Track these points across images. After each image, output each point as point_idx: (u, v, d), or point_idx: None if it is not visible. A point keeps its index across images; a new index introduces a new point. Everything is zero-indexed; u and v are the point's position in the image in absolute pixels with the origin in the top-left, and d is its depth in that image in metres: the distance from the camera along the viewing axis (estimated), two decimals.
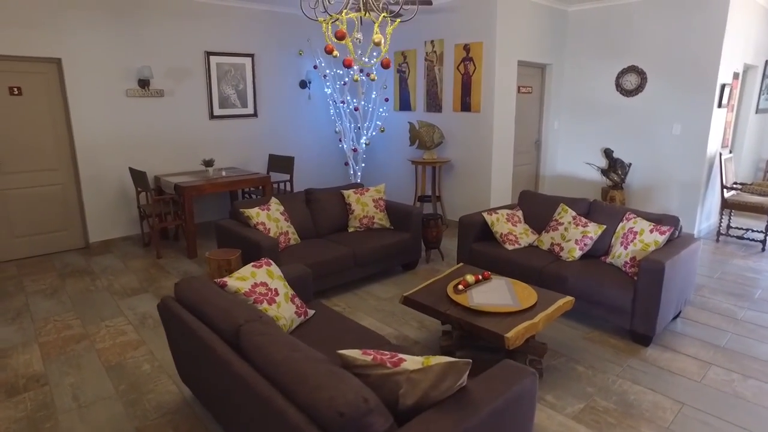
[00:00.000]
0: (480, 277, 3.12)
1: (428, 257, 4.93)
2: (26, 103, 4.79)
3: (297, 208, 4.38)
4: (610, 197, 5.79)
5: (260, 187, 5.61)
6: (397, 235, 4.44)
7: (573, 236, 3.79)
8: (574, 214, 3.93)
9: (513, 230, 4.11)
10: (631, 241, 3.45)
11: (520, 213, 4.31)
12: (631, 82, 5.73)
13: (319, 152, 7.04)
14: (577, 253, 3.72)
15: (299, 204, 4.43)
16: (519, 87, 5.93)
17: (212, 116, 5.98)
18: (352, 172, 6.70)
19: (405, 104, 6.52)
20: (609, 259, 3.63)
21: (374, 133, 6.60)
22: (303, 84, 6.69)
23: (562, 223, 3.93)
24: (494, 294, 2.95)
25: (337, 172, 7.29)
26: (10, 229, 4.89)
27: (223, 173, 5.55)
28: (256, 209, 3.94)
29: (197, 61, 5.73)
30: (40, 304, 3.93)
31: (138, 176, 4.90)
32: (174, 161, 5.75)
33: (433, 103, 6.12)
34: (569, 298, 2.94)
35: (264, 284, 2.58)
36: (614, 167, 5.81)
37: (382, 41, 2.40)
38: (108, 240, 5.40)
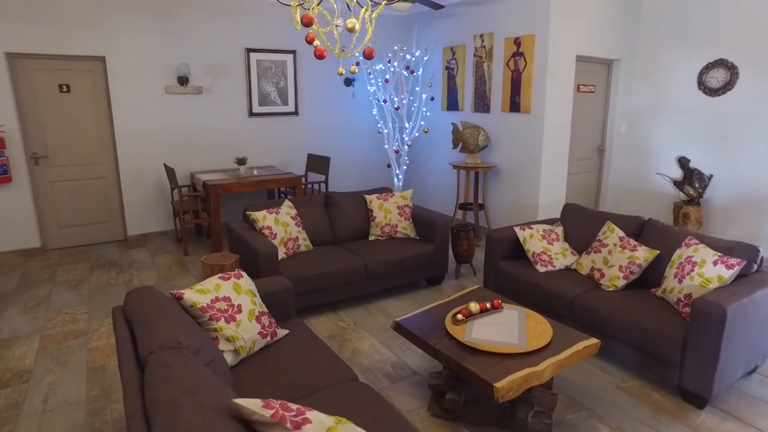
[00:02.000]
0: (488, 305, 2.65)
1: (458, 272, 4.46)
2: (74, 100, 4.98)
3: (313, 213, 4.13)
4: (683, 214, 4.94)
5: (292, 188, 5.45)
6: (420, 247, 4.04)
7: (617, 261, 3.17)
8: (621, 234, 3.30)
9: (548, 249, 3.55)
10: (688, 273, 2.79)
11: (559, 229, 3.73)
12: (718, 78, 4.84)
13: (361, 153, 6.78)
14: (621, 282, 3.10)
15: (316, 208, 4.17)
16: (578, 86, 5.25)
17: (251, 114, 5.93)
18: (394, 174, 6.36)
19: (452, 104, 6.06)
20: (659, 293, 2.98)
21: (417, 134, 6.21)
22: (348, 82, 6.46)
23: (606, 245, 3.32)
24: (498, 328, 2.48)
25: (379, 174, 6.98)
26: (56, 220, 5.12)
27: (255, 172, 5.46)
28: (264, 212, 3.74)
29: (237, 58, 5.69)
30: (61, 295, 4.01)
31: (170, 172, 4.92)
32: (211, 158, 5.76)
33: (481, 103, 5.61)
34: (594, 341, 2.40)
35: (227, 299, 2.33)
36: (690, 179, 4.94)
37: (356, 26, 2.05)
38: (145, 234, 5.52)
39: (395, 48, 5.79)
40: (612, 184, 5.85)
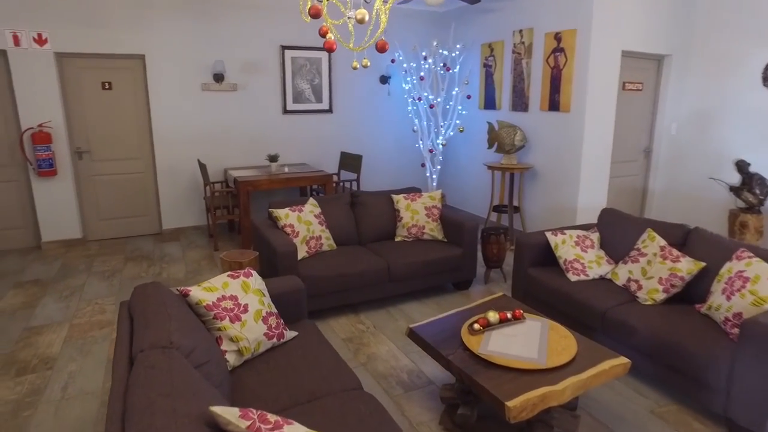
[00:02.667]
0: (508, 315, 2.48)
1: (487, 277, 4.28)
2: (115, 97, 5.16)
3: (338, 212, 4.06)
4: (740, 223, 4.53)
5: (323, 186, 5.42)
6: (448, 250, 3.89)
7: (657, 273, 2.91)
8: (663, 243, 3.03)
9: (581, 257, 3.32)
10: (738, 290, 2.51)
11: (595, 236, 3.48)
12: None
13: (395, 152, 6.67)
14: (660, 296, 2.84)
15: (342, 207, 4.10)
16: (624, 83, 4.92)
17: (285, 111, 5.94)
18: (428, 174, 6.22)
19: (490, 102, 5.84)
20: (704, 310, 2.70)
21: (452, 133, 6.03)
22: (384, 79, 6.37)
23: (645, 254, 3.05)
24: (517, 341, 2.31)
25: (413, 173, 6.85)
26: (97, 212, 5.32)
27: (286, 169, 5.46)
28: (287, 210, 3.70)
29: (272, 56, 5.72)
30: (94, 285, 4.14)
31: (202, 168, 5.00)
32: (245, 155, 5.82)
33: (519, 102, 5.37)
34: (623, 360, 2.19)
35: (233, 298, 2.28)
36: (750, 185, 4.52)
37: (366, 17, 1.94)
38: (179, 228, 5.65)
39: (434, 44, 5.64)
40: (659, 189, 5.46)
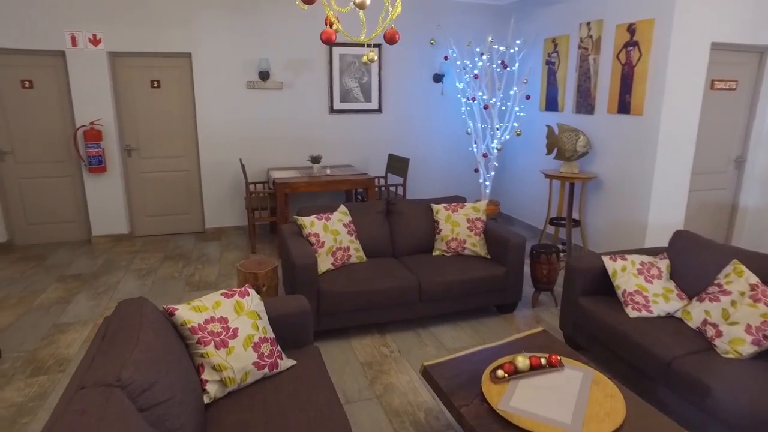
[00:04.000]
0: (542, 361, 2.06)
1: (535, 300, 3.80)
2: (163, 95, 5.20)
3: (371, 221, 3.76)
4: None
5: (365, 190, 5.16)
6: (489, 268, 3.47)
7: (744, 318, 2.34)
8: (755, 280, 2.44)
9: (644, 288, 2.78)
10: None
11: (664, 264, 2.92)
12: None
13: (447, 155, 6.27)
14: (747, 348, 2.28)
15: (375, 216, 3.80)
16: (712, 81, 4.21)
17: (332, 110, 5.74)
18: (481, 180, 5.76)
19: (551, 103, 5.29)
20: None
21: (508, 137, 5.54)
22: (437, 78, 5.99)
23: (729, 293, 2.48)
24: (549, 396, 1.89)
25: (466, 179, 6.40)
26: (144, 208, 5.41)
27: (328, 171, 5.25)
28: (312, 218, 3.45)
29: (319, 53, 5.53)
30: (128, 283, 4.15)
31: (243, 168, 4.90)
32: (289, 155, 5.69)
33: (584, 103, 4.79)
34: None
35: (223, 320, 2.06)
36: None
37: (367, 2, 1.61)
38: (221, 228, 5.62)
39: (489, 39, 5.18)
40: (753, 207, 4.65)
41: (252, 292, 2.23)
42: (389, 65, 5.81)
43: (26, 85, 4.82)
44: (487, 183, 5.73)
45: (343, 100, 5.80)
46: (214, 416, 1.87)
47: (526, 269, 4.51)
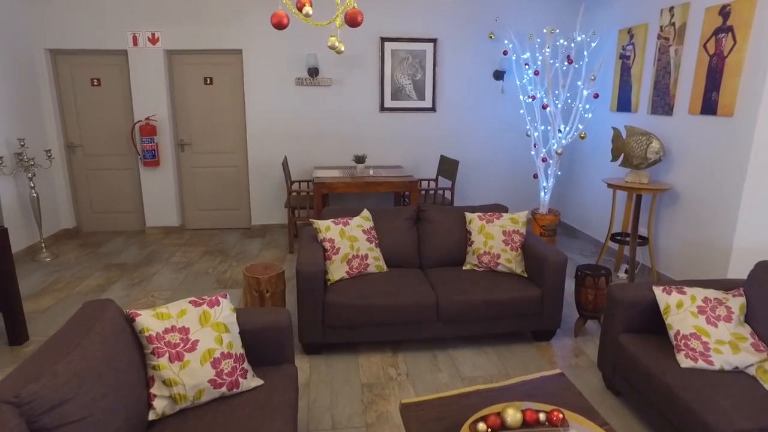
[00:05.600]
0: (540, 417, 1.67)
1: (578, 329, 3.29)
2: (215, 92, 5.30)
3: (397, 228, 3.48)
4: None
5: (408, 193, 4.88)
6: (523, 289, 3.05)
7: None
8: None
9: (704, 332, 2.23)
10: None
11: (737, 302, 2.33)
12: None
13: (505, 159, 5.79)
14: None
15: (402, 223, 3.51)
16: None
17: (383, 108, 5.52)
18: (540, 186, 5.23)
19: (624, 103, 4.63)
20: None
21: (571, 140, 4.95)
22: (498, 74, 5.54)
23: None
24: None
25: (524, 184, 5.87)
26: (194, 202, 5.57)
27: (371, 172, 5.03)
28: (329, 222, 3.24)
29: (370, 48, 5.32)
30: (163, 276, 4.24)
31: (285, 166, 4.84)
32: (337, 154, 5.56)
33: (662, 102, 4.12)
34: None
35: (184, 331, 1.91)
36: None
37: None
38: (266, 225, 5.63)
39: (550, 31, 4.66)
40: None
41: (224, 301, 2.06)
42: (445, 61, 5.47)
43: (95, 83, 5.13)
44: (547, 189, 5.18)
45: (394, 97, 5.55)
46: None
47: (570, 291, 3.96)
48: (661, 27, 4.13)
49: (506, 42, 5.39)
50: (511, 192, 5.88)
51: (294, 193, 4.91)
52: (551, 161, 5.04)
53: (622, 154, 4.07)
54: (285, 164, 4.79)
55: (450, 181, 5.73)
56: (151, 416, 1.78)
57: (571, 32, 5.30)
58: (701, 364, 2.16)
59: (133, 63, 5.02)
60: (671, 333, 2.31)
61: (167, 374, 1.81)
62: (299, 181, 5.27)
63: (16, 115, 4.59)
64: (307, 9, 1.79)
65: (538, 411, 1.69)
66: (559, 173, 5.51)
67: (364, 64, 5.36)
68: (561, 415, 1.67)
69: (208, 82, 5.26)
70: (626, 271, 4.19)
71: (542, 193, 5.19)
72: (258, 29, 5.10)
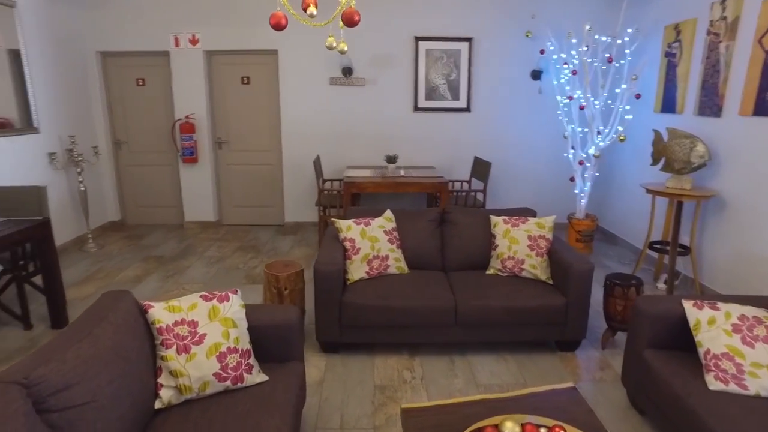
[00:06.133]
0: (539, 429, 1.60)
1: (606, 341, 3.13)
2: (252, 91, 5.44)
3: (420, 230, 3.44)
4: None
5: (438, 194, 4.82)
6: (546, 296, 2.94)
7: None
8: None
9: (739, 353, 2.07)
10: None
11: None
12: None
13: (542, 161, 5.61)
14: None
15: (426, 225, 3.46)
16: None
17: (416, 108, 5.48)
18: (577, 190, 5.03)
19: (669, 104, 4.38)
20: None
21: (609, 142, 4.73)
22: (535, 74, 5.38)
23: None
24: None
25: (559, 188, 5.67)
26: (231, 199, 5.74)
27: (402, 172, 5.01)
28: (350, 222, 3.25)
29: (405, 48, 5.30)
30: (196, 269, 4.39)
31: (316, 164, 4.90)
32: (370, 153, 5.57)
33: (710, 103, 3.86)
34: None
35: (193, 324, 1.96)
36: None
37: None
38: (300, 223, 5.72)
39: (586, 28, 4.46)
40: None
41: (234, 297, 2.10)
42: (480, 61, 5.36)
43: (140, 83, 5.39)
44: (584, 194, 4.97)
45: (428, 97, 5.50)
46: (159, 423, 1.77)
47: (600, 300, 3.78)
48: (711, 22, 3.87)
49: (548, 43, 5.21)
50: (546, 195, 5.69)
51: (325, 192, 4.96)
52: (588, 164, 4.84)
53: (663, 158, 3.85)
54: (316, 163, 4.85)
55: (483, 183, 5.63)
56: (157, 405, 1.84)
57: (613, 29, 5.06)
58: (733, 387, 2.00)
59: (175, 63, 5.23)
60: (701, 351, 2.15)
61: (174, 365, 1.87)
62: (331, 180, 5.32)
63: (69, 113, 4.89)
64: (312, 10, 1.79)
65: (539, 426, 1.63)
66: (597, 175, 5.29)
67: (398, 63, 5.34)
68: None
69: (245, 81, 5.40)
70: (666, 282, 3.96)
71: (579, 197, 5.00)
72: (293, 30, 5.18)
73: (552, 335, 3.01)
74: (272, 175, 5.68)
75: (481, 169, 5.13)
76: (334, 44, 2.09)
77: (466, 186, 5.60)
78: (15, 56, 4.25)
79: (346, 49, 2.26)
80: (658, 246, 3.98)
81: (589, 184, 4.90)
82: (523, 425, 1.61)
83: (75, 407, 1.49)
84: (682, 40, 4.21)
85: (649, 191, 3.85)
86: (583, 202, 4.98)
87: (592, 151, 4.70)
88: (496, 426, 1.62)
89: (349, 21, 1.69)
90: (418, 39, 5.28)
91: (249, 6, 5.11)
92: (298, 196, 5.65)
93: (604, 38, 4.66)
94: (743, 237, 3.50)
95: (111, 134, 5.50)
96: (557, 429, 1.60)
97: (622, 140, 4.47)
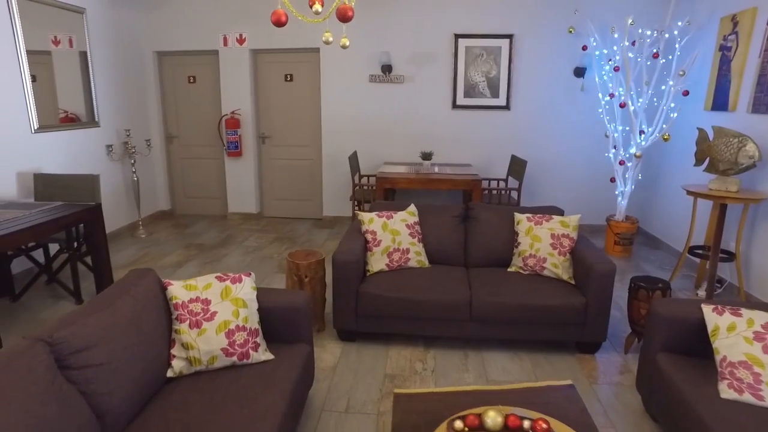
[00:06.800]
0: (524, 424, 1.60)
1: (629, 345, 3.02)
2: (294, 88, 5.63)
3: (444, 225, 3.45)
4: None
5: (470, 191, 4.79)
6: (565, 296, 2.89)
7: None
8: None
9: (758, 362, 1.95)
10: None
11: None
12: None
13: (582, 161, 5.43)
14: None
15: (449, 220, 3.47)
16: None
17: (455, 106, 5.47)
18: (617, 191, 4.84)
19: (721, 101, 4.12)
20: None
21: (652, 141, 4.51)
22: (579, 71, 5.22)
23: None
24: None
25: (599, 188, 5.45)
26: (272, 192, 5.98)
27: (436, 169, 5.02)
28: (372, 214, 3.32)
29: (444, 45, 5.30)
30: (232, 258, 4.63)
31: (352, 160, 5.01)
32: (406, 150, 5.62)
33: (765, 99, 3.60)
34: None
35: (206, 302, 2.10)
36: None
37: None
38: (337, 217, 5.86)
39: (628, 22, 4.27)
40: None
41: (246, 279, 2.24)
42: (521, 57, 5.27)
43: (191, 81, 5.73)
44: (624, 195, 4.77)
45: (467, 95, 5.47)
46: (169, 390, 1.93)
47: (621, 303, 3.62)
48: None
49: (591, 39, 5.04)
50: (586, 196, 5.50)
51: (358, 187, 5.06)
52: (629, 165, 4.64)
53: (708, 159, 3.63)
54: (352, 158, 4.96)
55: (518, 182, 5.54)
56: (169, 373, 2.00)
57: (661, 23, 4.81)
58: (747, 397, 1.90)
59: (223, 61, 5.52)
60: (717, 358, 2.04)
61: (186, 338, 2.02)
62: (368, 176, 5.41)
63: (126, 109, 5.29)
64: (317, 7, 1.88)
65: (522, 417, 1.62)
66: (640, 177, 5.06)
67: (437, 61, 5.35)
68: (545, 426, 1.58)
69: (289, 79, 5.61)
70: (717, 288, 3.74)
71: (619, 199, 4.80)
72: (333, 28, 5.32)
73: (571, 336, 2.94)
74: (312, 170, 5.86)
75: (517, 167, 5.04)
76: (331, 39, 2.16)
77: (501, 184, 5.52)
78: (83, 57, 4.66)
79: (348, 44, 2.32)
80: (699, 251, 3.77)
81: (629, 185, 4.70)
82: (506, 416, 1.62)
83: (92, 366, 1.66)
84: (738, 32, 3.95)
85: (689, 193, 3.65)
86: (623, 203, 4.78)
87: (633, 150, 4.51)
88: (479, 415, 1.63)
89: (343, 17, 1.76)
90: (457, 36, 5.26)
91: (293, 6, 5.30)
92: (336, 191, 5.79)
93: (648, 32, 4.45)
94: None
95: (164, 128, 5.89)
96: (540, 422, 1.60)
97: (665, 139, 4.25)
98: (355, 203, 5.10)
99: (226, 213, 6.02)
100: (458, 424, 1.61)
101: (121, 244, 4.97)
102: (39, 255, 4.18)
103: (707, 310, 2.16)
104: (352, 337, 3.13)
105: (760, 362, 1.95)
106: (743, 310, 2.11)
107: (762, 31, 3.69)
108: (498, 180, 5.33)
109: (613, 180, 4.88)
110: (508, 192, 5.07)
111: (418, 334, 3.02)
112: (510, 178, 5.49)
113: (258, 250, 4.85)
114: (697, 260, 4.28)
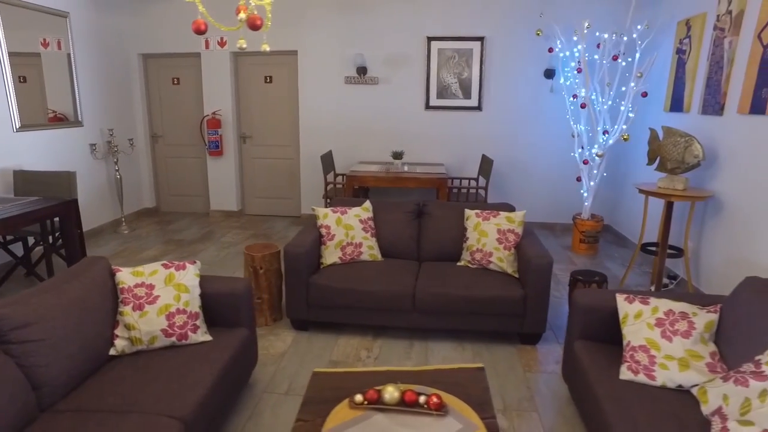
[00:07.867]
0: (419, 398, 1.75)
1: None
2: (274, 89, 5.81)
3: (397, 221, 3.60)
4: None
5: (436, 190, 4.94)
6: (504, 289, 3.02)
7: (766, 419, 1.59)
8: None
9: (655, 345, 2.09)
10: None
11: (704, 319, 2.13)
12: None
13: (550, 160, 5.56)
14: None
15: (402, 216, 3.62)
16: None
17: (428, 106, 5.62)
18: (582, 190, 4.97)
19: (678, 102, 4.24)
20: None
21: (613, 141, 4.63)
22: (549, 73, 5.35)
23: (766, 377, 1.71)
24: None
25: (566, 187, 5.58)
26: (253, 190, 6.15)
27: (405, 168, 5.17)
28: (327, 210, 3.48)
29: (417, 48, 5.45)
30: (207, 253, 4.79)
31: (324, 159, 5.17)
32: (382, 149, 5.77)
33: (712, 101, 3.73)
34: None
35: (150, 287, 2.27)
36: None
37: None
38: (314, 215, 6.01)
39: (585, 25, 4.40)
40: None
41: (190, 267, 2.40)
42: (492, 59, 5.41)
43: (175, 82, 5.92)
44: (588, 195, 4.89)
45: (440, 96, 5.62)
46: (110, 366, 2.09)
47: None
48: (718, 16, 3.73)
49: (557, 41, 5.17)
50: (555, 195, 5.63)
51: (332, 185, 5.22)
52: (592, 164, 4.77)
53: (658, 158, 3.76)
54: (325, 158, 5.12)
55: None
56: (112, 352, 2.16)
57: (622, 27, 4.93)
58: (641, 378, 2.03)
59: (205, 64, 5.70)
60: (624, 344, 2.18)
61: (128, 320, 2.18)
62: (342, 175, 5.57)
63: (111, 109, 5.48)
64: (242, 15, 2.04)
65: (419, 393, 1.77)
66: (605, 175, 5.19)
67: (411, 63, 5.50)
68: (437, 400, 1.73)
69: (268, 80, 5.79)
70: (664, 285, 3.86)
71: (584, 198, 4.93)
72: (311, 31, 5.49)
73: (512, 327, 3.08)
74: (291, 169, 6.03)
75: (486, 166, 5.18)
76: (245, 45, 2.31)
77: (470, 183, 5.66)
78: (70, 59, 4.86)
79: (268, 49, 2.48)
80: (651, 248, 3.89)
81: (593, 184, 4.82)
82: (404, 392, 1.77)
83: (30, 341, 1.83)
84: (691, 36, 4.08)
85: (641, 191, 3.77)
86: (588, 202, 4.91)
87: (595, 150, 4.64)
88: (379, 390, 1.78)
89: (253, 26, 1.91)
90: (430, 39, 5.42)
91: (272, 10, 5.47)
92: (314, 190, 5.96)
93: (606, 35, 4.58)
94: (740, 240, 3.36)
95: (149, 128, 6.08)
96: (434, 396, 1.74)
97: (625, 139, 4.38)
98: (328, 201, 5.25)
99: (209, 210, 6.20)
100: (358, 397, 1.77)
101: (102, 239, 5.16)
102: (18, 249, 4.37)
103: (620, 299, 2.29)
104: (304, 327, 3.29)
105: (657, 345, 2.08)
106: (651, 299, 2.24)
107: (710, 36, 3.82)
108: (469, 179, 5.47)
109: (579, 179, 5.01)
110: (477, 190, 5.20)
111: (367, 324, 3.17)
112: (480, 177, 5.62)
113: (234, 245, 5.01)
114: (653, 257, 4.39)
